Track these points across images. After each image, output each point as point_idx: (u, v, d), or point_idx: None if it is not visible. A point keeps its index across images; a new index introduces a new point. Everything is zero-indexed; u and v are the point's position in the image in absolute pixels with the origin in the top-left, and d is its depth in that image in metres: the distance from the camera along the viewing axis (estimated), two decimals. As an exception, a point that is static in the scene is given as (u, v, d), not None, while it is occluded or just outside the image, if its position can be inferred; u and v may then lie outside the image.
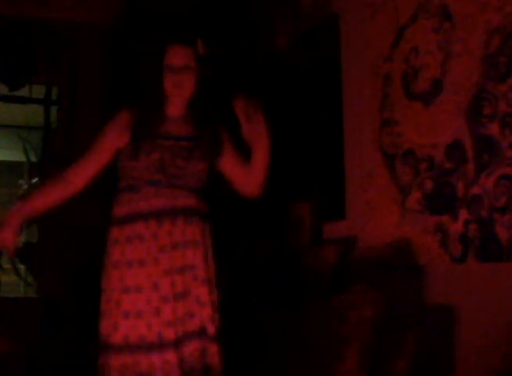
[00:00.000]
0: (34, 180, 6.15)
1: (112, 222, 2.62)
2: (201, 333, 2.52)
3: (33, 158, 6.33)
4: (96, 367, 2.55)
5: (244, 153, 2.71)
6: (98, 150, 2.66)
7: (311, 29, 4.11)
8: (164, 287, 2.50)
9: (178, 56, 2.61)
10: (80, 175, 2.64)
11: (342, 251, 3.54)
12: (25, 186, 6.45)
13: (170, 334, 2.47)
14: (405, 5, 3.27)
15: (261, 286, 3.98)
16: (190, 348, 2.49)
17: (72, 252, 4.47)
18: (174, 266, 2.52)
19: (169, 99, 2.65)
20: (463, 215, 2.85)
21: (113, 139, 2.63)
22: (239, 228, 2.77)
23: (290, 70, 4.37)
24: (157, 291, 2.50)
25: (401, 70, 3.28)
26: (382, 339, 2.74)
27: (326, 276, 3.52)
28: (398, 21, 3.31)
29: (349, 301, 2.85)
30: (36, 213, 2.67)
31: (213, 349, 2.53)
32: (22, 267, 5.57)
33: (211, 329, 2.53)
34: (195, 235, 2.57)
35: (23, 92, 4.81)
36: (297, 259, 3.84)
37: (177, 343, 2.47)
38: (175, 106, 2.66)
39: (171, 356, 2.46)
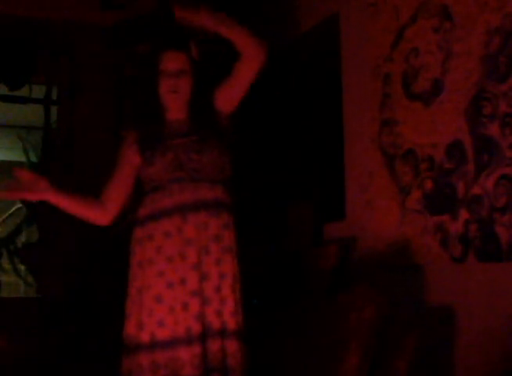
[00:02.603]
0: (34, 180, 6.14)
1: (136, 223, 2.64)
2: (223, 331, 2.52)
3: (33, 158, 6.34)
4: (103, 367, 2.57)
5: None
6: (121, 171, 2.71)
7: (311, 29, 4.11)
8: (192, 281, 2.50)
9: (172, 61, 2.65)
10: (114, 200, 2.69)
11: (342, 251, 3.54)
12: (25, 186, 6.43)
13: (198, 328, 2.47)
14: (405, 5, 3.27)
15: (262, 286, 3.98)
16: (214, 347, 2.50)
17: (72, 252, 4.47)
18: (201, 260, 2.52)
19: (167, 104, 2.68)
20: (463, 215, 2.86)
21: (130, 155, 2.68)
22: (239, 228, 2.76)
23: (289, 69, 4.37)
24: (185, 286, 2.50)
25: (401, 70, 3.28)
26: (382, 339, 2.74)
27: (327, 276, 3.52)
28: (398, 21, 3.31)
29: (349, 301, 2.85)
30: (62, 203, 2.67)
31: (234, 347, 2.53)
32: (22, 267, 5.57)
33: (233, 326, 2.53)
34: (218, 229, 2.57)
35: (23, 92, 4.81)
36: (297, 259, 3.84)
37: (204, 337, 2.48)
38: (174, 110, 2.69)
39: (198, 350, 2.46)
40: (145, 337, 2.50)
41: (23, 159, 6.49)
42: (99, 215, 2.69)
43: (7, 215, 6.35)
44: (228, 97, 2.70)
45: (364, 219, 3.50)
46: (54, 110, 4.90)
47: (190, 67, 2.67)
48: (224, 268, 2.56)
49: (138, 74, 4.13)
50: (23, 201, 5.48)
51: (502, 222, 2.66)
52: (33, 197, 2.66)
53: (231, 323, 2.53)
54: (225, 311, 2.53)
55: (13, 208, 6.28)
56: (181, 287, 2.50)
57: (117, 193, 2.69)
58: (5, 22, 4.57)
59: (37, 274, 4.74)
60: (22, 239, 5.85)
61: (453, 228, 2.91)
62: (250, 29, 2.64)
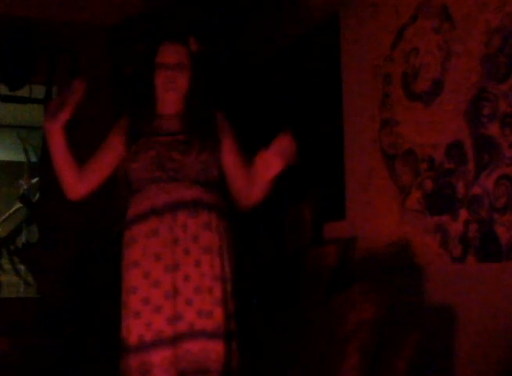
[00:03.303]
0: (34, 180, 6.15)
1: (124, 225, 2.64)
2: (203, 332, 2.51)
3: (33, 158, 6.33)
4: (103, 367, 2.57)
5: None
6: (104, 152, 2.69)
7: (311, 29, 4.11)
8: (165, 283, 2.49)
9: (170, 54, 2.62)
10: (89, 177, 2.65)
11: (342, 251, 3.54)
12: (25, 186, 6.45)
13: (169, 331, 2.46)
14: (405, 5, 3.27)
15: (261, 286, 3.98)
16: (196, 347, 2.48)
17: (72, 252, 4.47)
18: (177, 262, 2.51)
19: (162, 96, 2.65)
20: (463, 215, 2.85)
21: (116, 143, 2.66)
22: (239, 228, 2.76)
23: (289, 70, 4.37)
24: (159, 288, 2.49)
25: (401, 70, 3.28)
26: (382, 339, 2.74)
27: (326, 276, 3.52)
28: (398, 21, 3.31)
29: (349, 301, 2.85)
30: (58, 142, 2.62)
31: (211, 347, 2.51)
32: (22, 267, 5.57)
33: (210, 327, 2.52)
34: (197, 229, 2.55)
35: (23, 92, 4.81)
36: (297, 259, 3.84)
37: (174, 340, 2.47)
38: (169, 104, 2.66)
39: (168, 353, 2.45)
40: (133, 339, 2.50)
41: (23, 159, 6.51)
42: (75, 181, 2.63)
43: (7, 215, 6.35)
44: (223, 161, 2.67)
45: (364, 219, 3.50)
46: (54, 110, 4.89)
47: (189, 62, 2.64)
48: (203, 268, 2.54)
49: (136, 68, 4.11)
50: (23, 201, 5.48)
51: (503, 222, 2.65)
52: (49, 117, 2.57)
53: (208, 324, 2.51)
54: (204, 312, 2.51)
55: (13, 208, 6.29)
56: (156, 289, 2.50)
57: (93, 172, 2.65)
58: (5, 22, 4.57)
59: (37, 274, 4.74)
60: (22, 239, 5.86)
61: (453, 228, 2.90)
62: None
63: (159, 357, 2.45)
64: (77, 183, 2.65)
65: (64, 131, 2.61)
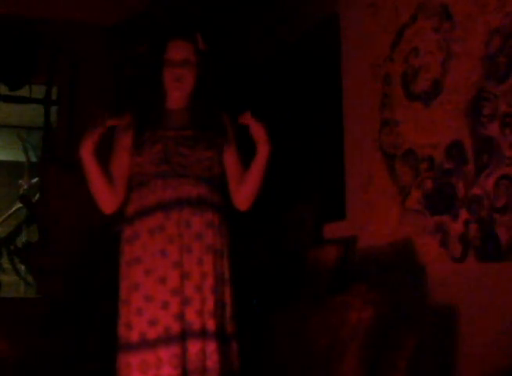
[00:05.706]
0: (34, 180, 6.16)
1: (125, 221, 2.62)
2: (204, 332, 2.50)
3: (33, 158, 6.35)
4: (103, 367, 2.56)
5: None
6: (120, 157, 2.64)
7: (311, 29, 4.11)
8: (173, 279, 2.49)
9: (178, 51, 2.63)
10: (120, 185, 2.63)
11: (342, 251, 3.54)
12: (25, 186, 6.46)
13: (177, 327, 2.46)
14: (405, 5, 3.27)
15: (261, 286, 3.98)
16: (194, 348, 2.48)
17: (72, 252, 4.47)
18: (183, 258, 2.50)
19: (169, 93, 2.66)
20: (463, 215, 2.86)
21: (127, 142, 2.63)
22: (240, 228, 2.75)
23: (290, 69, 4.37)
24: (165, 285, 2.49)
25: (401, 70, 3.28)
26: (382, 339, 2.74)
27: (327, 276, 3.52)
28: (398, 21, 3.31)
29: (349, 301, 2.85)
30: (91, 164, 2.56)
31: (211, 348, 2.51)
32: (22, 267, 5.58)
33: (211, 328, 2.51)
34: (201, 227, 2.55)
35: (23, 92, 4.82)
36: (297, 259, 3.84)
37: (182, 336, 2.46)
38: (175, 100, 2.67)
39: (177, 350, 2.45)
40: (134, 336, 2.49)
41: (23, 159, 6.51)
42: (111, 196, 2.61)
43: (7, 215, 6.36)
44: (224, 160, 2.69)
45: (364, 219, 3.50)
46: (54, 110, 4.91)
47: (195, 59, 2.65)
48: (205, 267, 2.52)
49: (141, 65, 4.10)
50: (23, 201, 5.49)
51: (503, 222, 2.66)
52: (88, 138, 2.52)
53: (210, 325, 2.49)
54: (205, 311, 2.50)
55: (13, 208, 6.29)
56: (161, 285, 2.49)
57: (120, 181, 2.62)
58: (5, 22, 4.58)
59: (37, 274, 4.74)
60: (22, 239, 5.86)
61: (453, 228, 2.91)
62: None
63: (168, 354, 2.44)
64: (112, 199, 2.62)
65: (95, 155, 2.55)
